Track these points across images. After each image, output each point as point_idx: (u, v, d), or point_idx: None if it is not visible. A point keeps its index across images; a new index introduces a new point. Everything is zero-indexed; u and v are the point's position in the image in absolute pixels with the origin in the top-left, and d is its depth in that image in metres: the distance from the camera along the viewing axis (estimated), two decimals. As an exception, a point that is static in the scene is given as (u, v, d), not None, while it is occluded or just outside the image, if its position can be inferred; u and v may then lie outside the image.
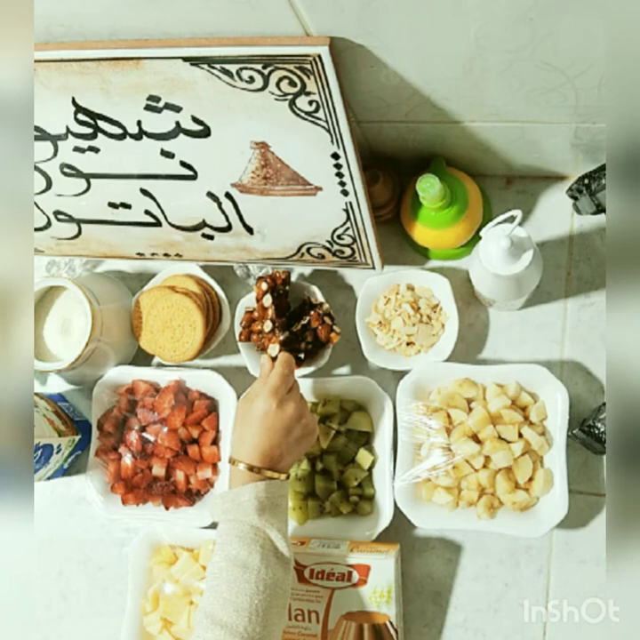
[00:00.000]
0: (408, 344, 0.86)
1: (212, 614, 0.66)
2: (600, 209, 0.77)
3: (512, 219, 0.69)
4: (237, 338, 0.89)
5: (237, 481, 0.72)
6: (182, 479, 0.89)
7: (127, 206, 0.81)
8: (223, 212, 0.79)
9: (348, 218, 0.77)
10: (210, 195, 0.78)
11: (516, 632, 0.83)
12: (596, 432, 0.77)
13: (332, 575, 0.81)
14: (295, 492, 0.86)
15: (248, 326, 0.89)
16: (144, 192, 0.79)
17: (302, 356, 0.87)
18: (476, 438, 0.81)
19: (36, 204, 0.83)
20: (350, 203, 0.75)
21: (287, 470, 0.74)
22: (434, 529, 0.84)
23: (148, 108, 0.69)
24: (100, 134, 0.73)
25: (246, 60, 0.62)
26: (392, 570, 0.80)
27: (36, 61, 0.67)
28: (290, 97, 0.64)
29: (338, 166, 0.71)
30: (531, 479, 0.80)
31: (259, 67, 0.62)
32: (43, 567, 0.96)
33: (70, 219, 0.85)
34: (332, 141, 0.68)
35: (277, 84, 0.63)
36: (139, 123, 0.71)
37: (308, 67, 0.61)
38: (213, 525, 0.87)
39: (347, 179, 0.72)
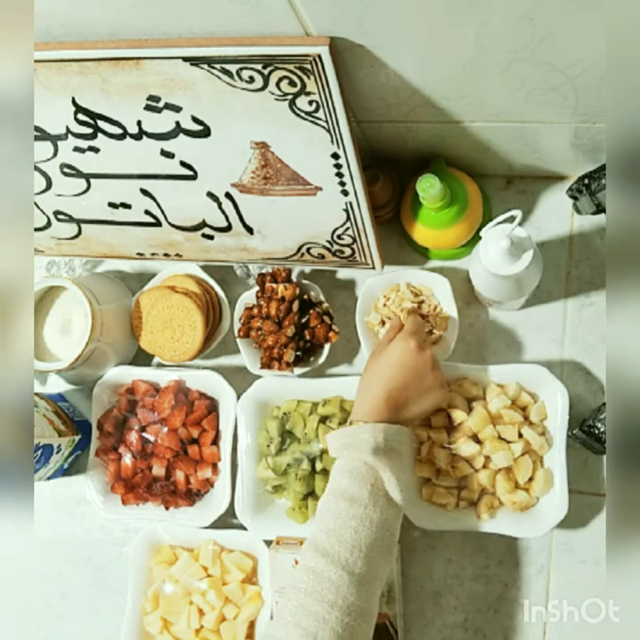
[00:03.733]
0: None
1: (315, 543, 0.66)
2: (600, 209, 0.77)
3: (512, 219, 0.69)
4: (236, 334, 0.89)
5: (356, 415, 0.72)
6: (182, 479, 0.89)
7: (127, 206, 0.81)
8: (223, 212, 0.79)
9: (348, 218, 0.77)
10: (210, 195, 0.78)
11: (516, 632, 0.83)
12: (596, 432, 0.77)
13: (332, 575, 0.81)
14: (295, 492, 0.86)
15: (247, 322, 0.89)
16: (144, 192, 0.79)
17: (300, 354, 0.87)
18: (475, 438, 0.81)
19: (36, 204, 0.83)
20: (350, 203, 0.75)
21: (408, 424, 0.73)
22: (434, 529, 0.84)
23: (147, 108, 0.69)
24: (100, 134, 0.73)
25: (246, 60, 0.62)
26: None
27: (36, 61, 0.67)
28: (290, 97, 0.64)
29: (338, 166, 0.71)
30: (531, 479, 0.80)
31: (259, 67, 0.62)
32: (43, 567, 0.96)
33: (70, 219, 0.85)
34: (332, 141, 0.68)
35: (277, 84, 0.63)
36: (139, 123, 0.71)
37: (308, 67, 0.61)
38: (213, 525, 0.87)
39: (347, 179, 0.72)
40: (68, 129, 0.74)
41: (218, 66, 0.63)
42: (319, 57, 0.59)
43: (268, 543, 0.85)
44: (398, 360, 0.72)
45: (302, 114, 0.66)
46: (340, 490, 0.68)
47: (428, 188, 0.76)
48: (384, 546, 0.67)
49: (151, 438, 0.90)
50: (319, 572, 0.63)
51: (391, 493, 0.68)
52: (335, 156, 0.70)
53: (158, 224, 0.83)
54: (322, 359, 0.88)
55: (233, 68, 0.63)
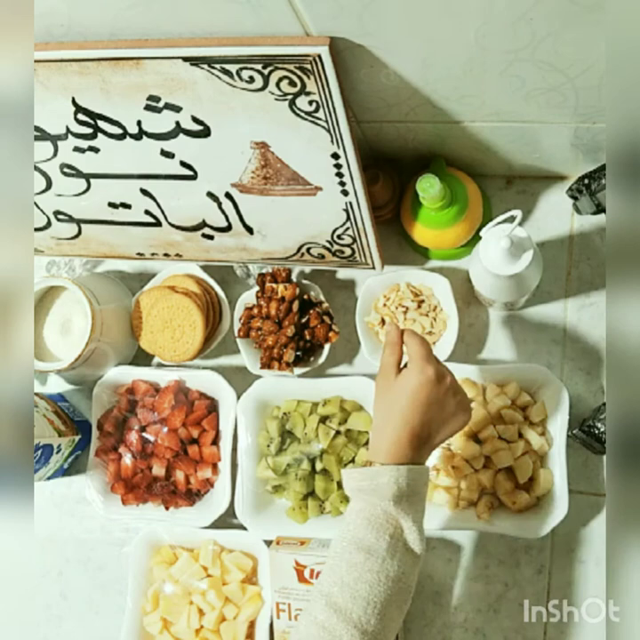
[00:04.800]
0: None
1: (328, 595, 0.62)
2: (600, 209, 0.77)
3: (512, 219, 0.69)
4: (236, 334, 0.89)
5: (375, 455, 0.66)
6: (182, 479, 0.89)
7: (127, 206, 0.81)
8: (223, 211, 0.79)
9: (348, 218, 0.77)
10: (210, 195, 0.77)
11: (516, 632, 0.83)
12: (596, 432, 0.77)
13: (332, 575, 0.81)
14: (295, 492, 0.86)
15: (247, 323, 0.89)
16: (144, 192, 0.79)
17: (300, 354, 0.87)
18: (476, 438, 0.81)
19: (36, 204, 0.83)
20: (350, 203, 0.75)
21: (429, 455, 0.67)
22: (434, 529, 0.84)
23: (147, 108, 0.69)
24: (99, 134, 0.73)
25: (246, 60, 0.62)
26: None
27: (36, 61, 0.67)
28: (290, 97, 0.64)
29: (338, 166, 0.71)
30: (531, 479, 0.80)
31: (259, 67, 0.62)
32: (43, 567, 0.96)
33: (70, 219, 0.85)
34: (332, 141, 0.68)
35: (277, 84, 0.63)
36: (139, 123, 0.71)
37: (308, 67, 0.61)
38: (213, 525, 0.87)
39: (347, 179, 0.72)
40: (67, 129, 0.74)
41: (218, 66, 0.63)
42: (319, 57, 0.59)
43: (268, 543, 0.85)
44: (418, 395, 0.65)
45: (302, 114, 0.66)
46: (356, 538, 0.63)
47: (428, 188, 0.76)
48: (400, 600, 0.63)
49: (151, 438, 0.90)
50: (330, 630, 0.60)
51: (411, 544, 0.64)
52: (335, 155, 0.70)
53: (158, 224, 0.83)
54: (322, 359, 0.88)
55: (233, 68, 0.63)
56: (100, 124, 0.72)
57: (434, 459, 0.82)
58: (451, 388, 0.67)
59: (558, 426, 0.80)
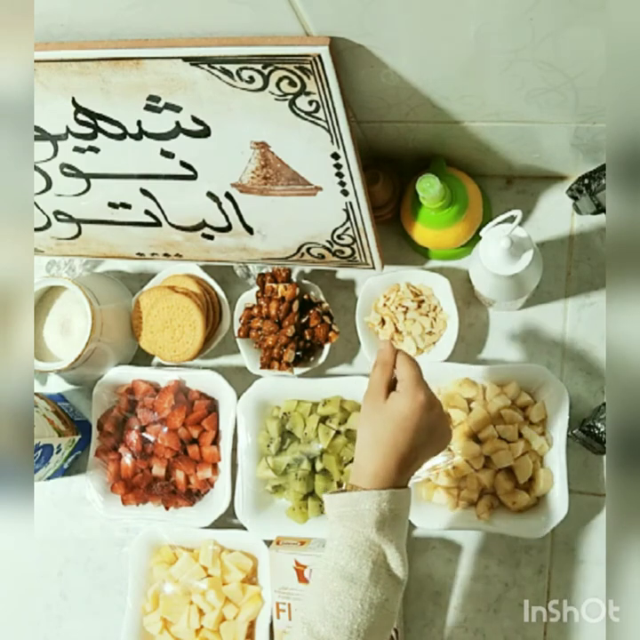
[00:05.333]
0: (406, 339, 0.86)
1: (310, 623, 0.61)
2: (600, 209, 0.77)
3: (512, 219, 0.69)
4: (236, 334, 0.89)
5: (360, 478, 0.64)
6: (182, 479, 0.89)
7: (127, 206, 0.81)
8: (223, 212, 0.79)
9: (348, 218, 0.77)
10: (210, 195, 0.77)
11: (516, 632, 0.83)
12: (596, 432, 0.77)
13: (332, 575, 0.81)
14: (295, 492, 0.86)
15: (247, 323, 0.89)
16: (144, 192, 0.79)
17: (300, 354, 0.87)
18: (476, 438, 0.81)
19: (36, 204, 0.83)
20: (350, 203, 0.75)
21: (410, 477, 0.66)
22: (434, 529, 0.84)
23: (147, 108, 0.69)
24: (100, 134, 0.73)
25: (246, 60, 0.62)
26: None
27: (36, 61, 0.67)
28: (290, 97, 0.64)
29: (338, 166, 0.71)
30: (531, 479, 0.80)
31: (259, 67, 0.62)
32: (43, 567, 0.96)
33: (70, 219, 0.85)
34: (332, 141, 0.68)
35: (277, 84, 0.63)
36: (139, 123, 0.71)
37: (308, 67, 0.61)
38: (213, 525, 0.87)
39: (347, 179, 0.72)
40: (68, 129, 0.74)
41: (218, 66, 0.63)
42: (319, 57, 0.59)
43: (268, 543, 0.85)
44: (410, 421, 0.64)
45: (302, 114, 0.66)
46: (339, 566, 0.62)
47: (428, 188, 0.76)
48: (383, 627, 0.62)
49: (151, 438, 0.90)
50: None
51: (394, 570, 0.63)
52: (335, 155, 0.70)
53: (158, 224, 0.83)
54: (322, 359, 0.88)
55: (233, 68, 0.63)
56: (100, 124, 0.72)
57: (434, 458, 0.81)
58: (440, 414, 0.66)
59: (558, 426, 0.80)
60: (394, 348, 0.68)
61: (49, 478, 0.92)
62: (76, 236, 0.87)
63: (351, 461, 0.86)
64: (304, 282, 0.90)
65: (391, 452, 0.64)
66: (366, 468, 0.64)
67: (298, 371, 0.87)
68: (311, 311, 0.87)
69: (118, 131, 0.72)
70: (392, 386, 0.67)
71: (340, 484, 0.86)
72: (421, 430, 0.64)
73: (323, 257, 0.84)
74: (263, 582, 0.86)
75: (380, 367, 0.67)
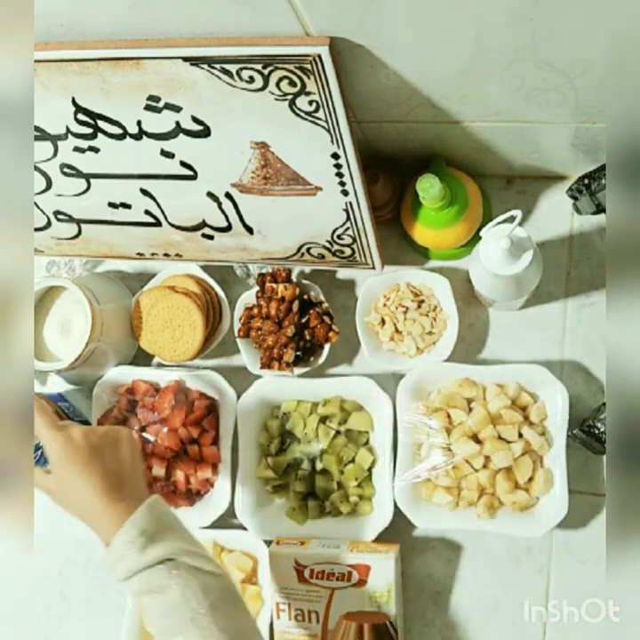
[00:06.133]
0: (405, 339, 0.86)
1: None
2: (600, 209, 0.77)
3: (512, 219, 0.69)
4: (236, 334, 0.89)
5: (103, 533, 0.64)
6: (182, 479, 0.89)
7: (127, 206, 0.81)
8: (223, 212, 0.79)
9: (348, 218, 0.77)
10: (210, 195, 0.77)
11: (516, 632, 0.83)
12: (596, 432, 0.77)
13: (332, 575, 0.81)
14: (295, 492, 0.86)
15: (247, 323, 0.89)
16: (144, 192, 0.79)
17: (300, 354, 0.87)
18: (475, 438, 0.81)
19: (36, 204, 0.83)
20: (350, 203, 0.75)
21: (140, 486, 0.68)
22: (434, 529, 0.84)
23: (147, 108, 0.69)
24: (99, 134, 0.73)
25: (246, 60, 0.62)
26: (392, 570, 0.80)
27: (36, 61, 0.67)
28: (290, 97, 0.64)
29: (338, 166, 0.71)
30: (531, 479, 0.80)
31: (259, 67, 0.62)
32: (43, 567, 0.96)
33: (70, 219, 0.85)
34: (332, 141, 0.68)
35: (277, 84, 0.63)
36: (139, 123, 0.71)
37: (308, 67, 0.61)
38: (213, 525, 0.87)
39: (347, 179, 0.72)
40: (68, 129, 0.74)
41: (218, 66, 0.63)
42: (319, 57, 0.59)
43: (268, 543, 0.85)
44: (75, 461, 0.63)
45: (302, 114, 0.66)
46: (159, 613, 0.62)
47: (428, 188, 0.76)
48: (235, 610, 0.63)
49: (151, 438, 0.90)
50: None
51: (203, 567, 0.63)
52: (335, 155, 0.70)
53: (158, 224, 0.83)
54: (322, 359, 0.88)
55: (233, 68, 0.63)
56: (100, 124, 0.72)
57: (434, 458, 0.82)
58: (85, 433, 0.66)
59: (558, 426, 0.80)
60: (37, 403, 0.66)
61: (49, 478, 0.92)
62: (76, 236, 0.87)
63: (351, 461, 0.86)
64: (304, 282, 0.90)
65: (92, 495, 0.63)
66: (95, 523, 0.64)
67: (298, 371, 0.87)
68: (311, 311, 0.87)
69: (118, 131, 0.72)
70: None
71: (340, 484, 0.86)
72: (91, 458, 0.64)
73: (323, 257, 0.84)
74: (263, 582, 0.86)
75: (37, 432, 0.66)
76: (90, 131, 0.73)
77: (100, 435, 0.67)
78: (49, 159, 0.77)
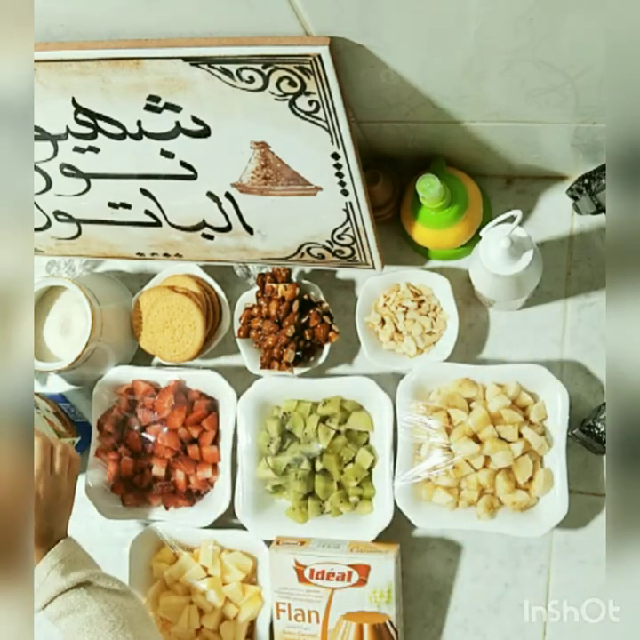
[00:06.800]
0: (406, 339, 0.86)
1: None
2: (600, 209, 0.77)
3: (512, 219, 0.69)
4: (236, 334, 0.89)
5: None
6: (182, 479, 0.89)
7: (127, 206, 0.81)
8: (223, 212, 0.79)
9: (348, 218, 0.77)
10: (210, 195, 0.77)
11: (516, 632, 0.83)
12: (596, 432, 0.77)
13: (332, 575, 0.81)
14: (295, 491, 0.86)
15: (247, 323, 0.89)
16: (144, 192, 0.79)
17: (300, 354, 0.87)
18: (476, 438, 0.81)
19: (36, 204, 0.83)
20: (350, 203, 0.75)
21: (65, 520, 0.74)
22: (434, 529, 0.84)
23: (147, 108, 0.69)
24: (99, 134, 0.73)
25: (246, 60, 0.62)
26: (392, 570, 0.80)
27: (36, 61, 0.67)
28: (290, 97, 0.64)
29: (338, 166, 0.71)
30: (531, 479, 0.80)
31: (259, 67, 0.62)
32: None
33: (70, 219, 0.85)
34: (332, 141, 0.68)
35: (277, 84, 0.63)
36: (139, 123, 0.71)
37: (308, 67, 0.61)
38: (213, 525, 0.87)
39: (347, 179, 0.72)
40: (67, 129, 0.74)
41: (218, 66, 0.63)
42: (319, 57, 0.59)
43: (268, 543, 0.85)
44: None
45: (302, 114, 0.66)
46: (78, 627, 0.68)
47: (428, 188, 0.76)
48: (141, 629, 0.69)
49: (151, 438, 0.90)
50: None
51: (104, 585, 0.70)
52: (335, 155, 0.70)
53: (158, 224, 0.83)
54: (322, 359, 0.88)
55: (233, 68, 0.63)
56: (100, 124, 0.72)
57: (434, 458, 0.82)
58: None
59: (558, 426, 0.80)
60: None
61: (49, 478, 0.92)
62: (76, 236, 0.87)
63: (351, 461, 0.86)
64: (304, 282, 0.90)
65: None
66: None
67: (298, 371, 0.87)
68: (311, 311, 0.87)
69: (118, 131, 0.72)
70: None
71: (340, 484, 0.86)
72: None
73: (323, 257, 0.84)
74: (263, 582, 0.86)
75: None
76: (90, 131, 0.73)
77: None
78: (49, 159, 0.77)
